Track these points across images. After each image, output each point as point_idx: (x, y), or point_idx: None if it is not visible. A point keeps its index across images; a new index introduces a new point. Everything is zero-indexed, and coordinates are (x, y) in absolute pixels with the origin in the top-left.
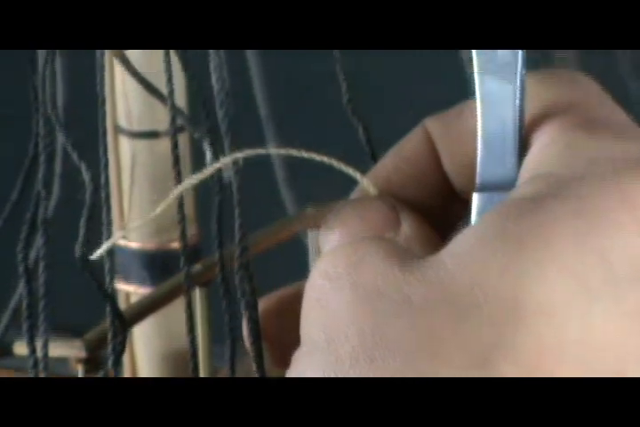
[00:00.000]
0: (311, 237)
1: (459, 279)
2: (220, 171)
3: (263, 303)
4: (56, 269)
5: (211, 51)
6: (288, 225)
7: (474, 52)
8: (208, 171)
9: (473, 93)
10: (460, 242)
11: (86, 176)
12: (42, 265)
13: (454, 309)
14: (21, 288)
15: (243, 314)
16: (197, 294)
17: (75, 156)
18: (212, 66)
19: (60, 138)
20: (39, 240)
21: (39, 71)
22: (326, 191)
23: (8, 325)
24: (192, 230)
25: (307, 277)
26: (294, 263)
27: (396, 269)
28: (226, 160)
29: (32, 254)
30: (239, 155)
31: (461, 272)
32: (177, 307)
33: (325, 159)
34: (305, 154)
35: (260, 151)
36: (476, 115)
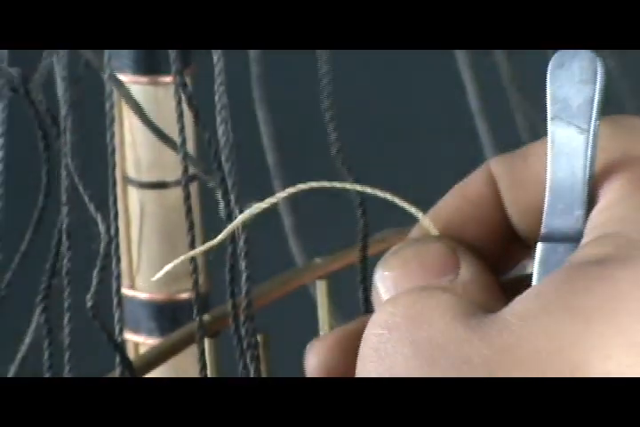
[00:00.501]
0: (319, 287)
1: (523, 345)
2: (231, 221)
3: (327, 339)
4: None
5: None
6: (296, 276)
7: (548, 98)
8: (234, 224)
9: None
10: (526, 304)
11: (102, 227)
12: (66, 318)
13: (516, 374)
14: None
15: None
16: (206, 345)
17: (92, 207)
18: (218, 119)
19: (69, 189)
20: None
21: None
22: (335, 241)
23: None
24: (202, 280)
25: (314, 328)
26: (302, 313)
27: (457, 326)
28: (248, 212)
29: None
30: (262, 204)
31: (526, 338)
32: (186, 357)
33: (388, 196)
34: (368, 189)
35: (302, 187)
36: (542, 160)
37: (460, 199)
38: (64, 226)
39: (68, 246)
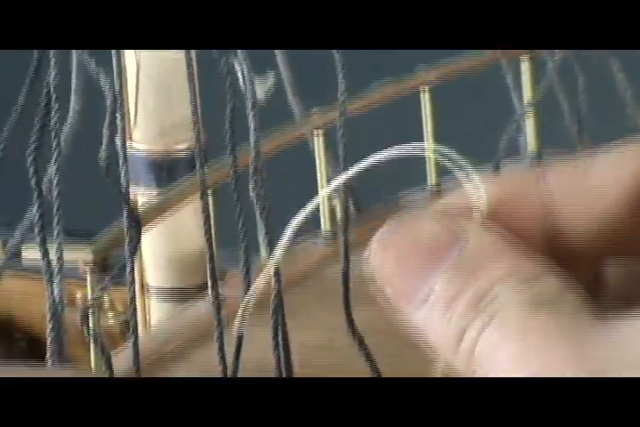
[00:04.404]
0: (317, 140)
1: None
2: (234, 77)
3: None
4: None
5: None
6: (294, 127)
7: None
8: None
9: None
10: None
11: (105, 84)
12: (53, 171)
13: None
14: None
15: (260, 217)
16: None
17: (92, 65)
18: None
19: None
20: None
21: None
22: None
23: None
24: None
25: (313, 180)
26: (301, 167)
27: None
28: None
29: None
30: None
31: None
32: (183, 210)
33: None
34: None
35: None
36: (602, 177)
37: (508, 195)
38: (52, 80)
39: (57, 106)
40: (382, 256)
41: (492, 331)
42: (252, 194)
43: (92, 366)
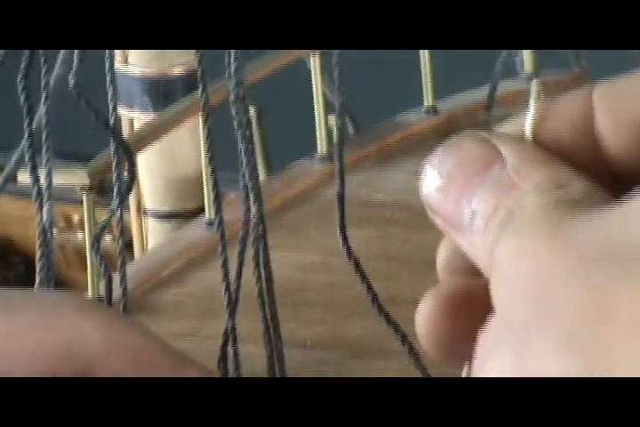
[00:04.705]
0: (312, 61)
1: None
2: None
3: (428, 303)
4: (61, 99)
5: None
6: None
7: None
8: None
9: None
10: None
11: None
12: (44, 95)
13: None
14: (24, 117)
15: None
16: (200, 121)
17: None
18: None
19: None
20: (42, 71)
21: None
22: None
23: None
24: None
25: (308, 101)
26: (297, 87)
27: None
28: None
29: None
30: None
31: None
32: (179, 133)
33: None
34: None
35: None
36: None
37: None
38: None
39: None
40: (428, 186)
41: (510, 235)
42: (235, 122)
43: (90, 290)
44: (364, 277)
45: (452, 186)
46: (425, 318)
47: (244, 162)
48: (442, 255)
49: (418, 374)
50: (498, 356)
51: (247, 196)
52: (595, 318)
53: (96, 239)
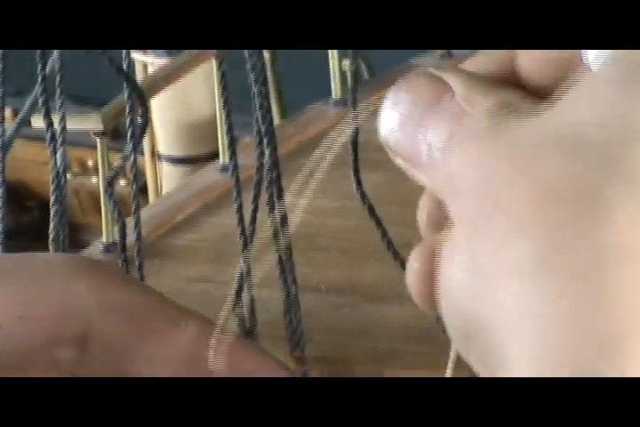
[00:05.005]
0: None
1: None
2: None
3: (414, 260)
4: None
5: None
6: None
7: None
8: None
9: None
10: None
11: None
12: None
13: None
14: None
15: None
16: (213, 66)
17: None
18: None
19: None
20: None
21: None
22: None
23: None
24: None
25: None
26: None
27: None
28: None
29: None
30: None
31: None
32: (193, 78)
33: None
34: None
35: None
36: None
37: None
38: None
39: None
40: (385, 127)
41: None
42: (248, 64)
43: (104, 235)
44: (378, 222)
45: (408, 124)
46: (413, 274)
47: (257, 106)
48: (422, 211)
49: (431, 320)
50: (453, 255)
51: (261, 140)
52: (541, 202)
53: (109, 184)
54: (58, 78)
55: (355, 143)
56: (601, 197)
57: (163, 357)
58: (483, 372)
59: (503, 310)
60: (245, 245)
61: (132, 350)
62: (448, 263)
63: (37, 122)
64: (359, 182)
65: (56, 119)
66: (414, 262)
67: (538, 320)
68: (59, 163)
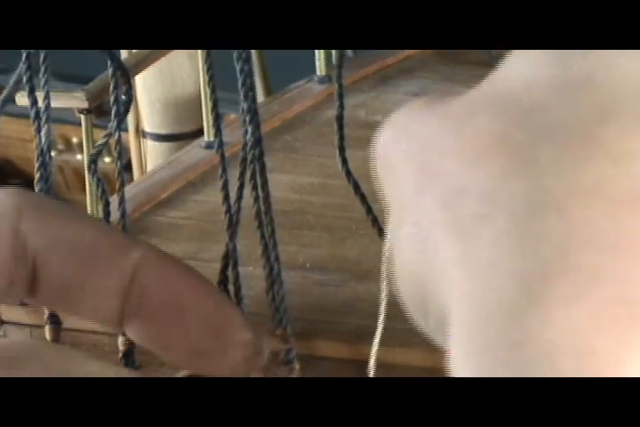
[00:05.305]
0: None
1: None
2: None
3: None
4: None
5: None
6: None
7: None
8: None
9: None
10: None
11: None
12: None
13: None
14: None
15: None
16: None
17: None
18: None
19: None
20: None
21: None
22: None
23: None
24: None
25: None
26: None
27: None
28: None
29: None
30: None
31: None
32: (177, 55)
33: None
34: None
35: None
36: None
37: None
38: None
39: None
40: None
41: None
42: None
43: (89, 212)
44: (363, 199)
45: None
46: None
47: (240, 83)
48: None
49: None
50: (400, 229)
51: (251, 121)
52: (474, 161)
53: (92, 161)
54: (42, 56)
55: (340, 120)
56: (531, 155)
57: (110, 287)
58: (443, 343)
59: (445, 266)
60: (230, 223)
61: (81, 286)
62: (397, 239)
63: (22, 100)
64: (344, 159)
65: (40, 97)
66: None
67: (470, 269)
68: (43, 140)
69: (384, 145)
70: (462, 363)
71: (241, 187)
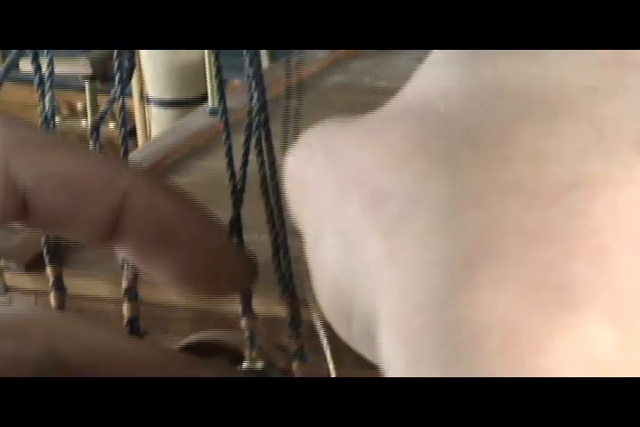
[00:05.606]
0: None
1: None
2: None
3: None
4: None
5: None
6: None
7: None
8: None
9: None
10: None
11: None
12: None
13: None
14: None
15: None
16: None
17: None
18: None
19: None
20: None
21: None
22: None
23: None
24: None
25: None
26: None
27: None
28: None
29: None
30: None
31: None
32: None
33: None
34: None
35: None
36: None
37: None
38: None
39: None
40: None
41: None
42: None
43: None
44: None
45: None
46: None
47: None
48: None
49: None
50: (321, 239)
51: (257, 85)
52: (393, 166)
53: (94, 128)
54: None
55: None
56: (450, 159)
57: (100, 215)
58: (369, 352)
59: (370, 268)
60: (235, 189)
61: (71, 215)
62: (316, 253)
63: (26, 66)
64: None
65: (44, 63)
66: None
67: (397, 265)
68: (47, 106)
69: (299, 162)
70: (393, 352)
71: (246, 153)
